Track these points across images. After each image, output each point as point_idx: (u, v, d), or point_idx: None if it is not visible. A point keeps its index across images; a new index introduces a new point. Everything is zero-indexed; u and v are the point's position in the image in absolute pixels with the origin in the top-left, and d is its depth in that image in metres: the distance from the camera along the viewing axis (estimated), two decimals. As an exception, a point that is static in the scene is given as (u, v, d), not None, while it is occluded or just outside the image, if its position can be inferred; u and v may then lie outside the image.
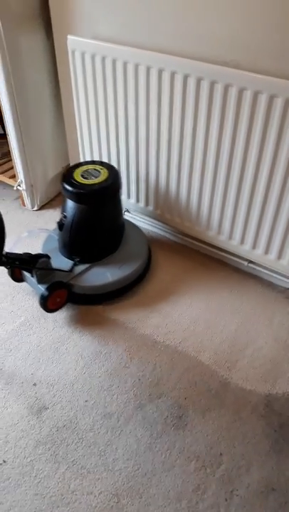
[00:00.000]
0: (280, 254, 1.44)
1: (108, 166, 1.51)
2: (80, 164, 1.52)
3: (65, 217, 1.47)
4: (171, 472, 1.09)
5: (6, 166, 2.01)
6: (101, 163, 1.53)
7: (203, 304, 1.51)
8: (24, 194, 1.91)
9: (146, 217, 1.81)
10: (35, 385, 1.27)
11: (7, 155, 2.02)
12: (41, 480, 1.07)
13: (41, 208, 1.97)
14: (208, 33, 1.25)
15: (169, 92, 1.37)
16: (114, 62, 1.43)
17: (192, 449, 1.13)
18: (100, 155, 1.71)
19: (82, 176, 1.46)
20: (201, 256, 1.71)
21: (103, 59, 1.45)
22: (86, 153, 1.75)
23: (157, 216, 1.70)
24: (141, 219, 1.83)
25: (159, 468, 1.09)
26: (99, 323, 1.45)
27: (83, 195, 1.42)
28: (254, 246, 1.48)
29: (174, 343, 1.38)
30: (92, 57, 1.47)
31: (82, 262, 1.51)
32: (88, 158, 1.76)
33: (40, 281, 1.41)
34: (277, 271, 1.53)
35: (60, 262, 1.50)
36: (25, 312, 1.48)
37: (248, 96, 1.21)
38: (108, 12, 1.43)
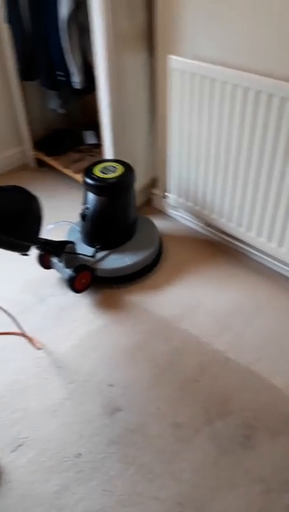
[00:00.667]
0: None
1: (123, 163, 1.66)
2: (99, 162, 1.69)
3: (87, 208, 1.64)
4: (235, 491, 1.10)
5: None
6: (117, 161, 1.69)
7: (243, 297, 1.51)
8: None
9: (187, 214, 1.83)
10: (111, 385, 1.35)
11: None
12: (111, 478, 1.14)
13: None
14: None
15: (264, 115, 1.39)
16: (212, 82, 1.48)
17: (259, 471, 1.14)
18: (188, 168, 1.75)
19: (102, 171, 1.62)
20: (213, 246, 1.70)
21: (202, 79, 1.50)
22: (173, 164, 1.81)
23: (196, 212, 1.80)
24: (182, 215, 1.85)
25: (223, 485, 1.12)
26: (171, 334, 1.49)
27: (103, 187, 1.59)
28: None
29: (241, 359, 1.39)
30: (192, 77, 1.52)
31: (102, 249, 1.68)
32: (175, 170, 1.82)
33: (67, 265, 1.58)
34: None
35: (83, 249, 1.67)
36: (104, 315, 1.57)
37: None
38: (210, 34, 1.47)
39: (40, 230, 1.42)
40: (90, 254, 1.65)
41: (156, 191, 2.06)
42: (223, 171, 1.62)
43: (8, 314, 1.37)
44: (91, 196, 1.63)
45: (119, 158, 1.88)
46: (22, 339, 1.47)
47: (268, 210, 1.54)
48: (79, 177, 2.17)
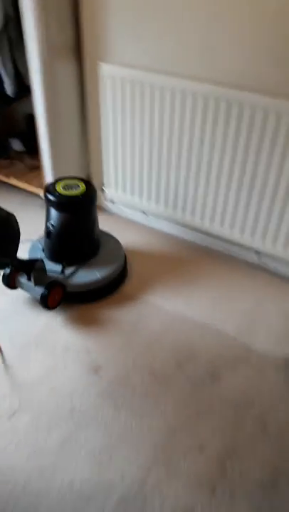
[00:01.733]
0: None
1: (85, 182, 1.69)
2: (61, 178, 1.70)
3: (52, 225, 1.65)
4: (213, 413, 1.33)
5: (31, 177, 2.26)
6: (76, 178, 1.71)
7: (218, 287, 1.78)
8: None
9: (163, 220, 2.08)
10: (89, 352, 1.49)
11: (36, 168, 2.27)
12: (107, 423, 1.29)
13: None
14: (230, 64, 1.57)
15: (190, 113, 1.67)
16: (141, 86, 1.73)
17: (227, 396, 1.37)
18: (124, 166, 1.98)
19: (64, 188, 1.64)
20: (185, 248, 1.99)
21: (132, 83, 1.74)
22: (109, 163, 2.02)
23: (172, 216, 1.98)
24: (159, 221, 2.10)
25: (203, 411, 1.33)
26: (134, 304, 1.69)
27: (68, 204, 1.62)
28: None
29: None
30: (122, 82, 1.76)
31: (69, 264, 1.69)
32: (112, 170, 2.03)
33: (36, 283, 1.57)
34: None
35: (49, 266, 1.66)
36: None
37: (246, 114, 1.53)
38: (136, 42, 1.72)
39: (18, 247, 1.44)
40: (58, 270, 1.67)
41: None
42: (157, 163, 1.88)
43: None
44: (55, 213, 1.63)
45: (56, 160, 2.05)
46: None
47: (190, 188, 1.83)
48: (15, 181, 2.28)
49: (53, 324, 1.60)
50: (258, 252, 1.87)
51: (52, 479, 1.16)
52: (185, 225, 2.00)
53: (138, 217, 2.15)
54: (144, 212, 2.11)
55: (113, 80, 1.78)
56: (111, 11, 1.71)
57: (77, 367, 1.45)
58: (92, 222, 1.74)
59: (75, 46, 1.90)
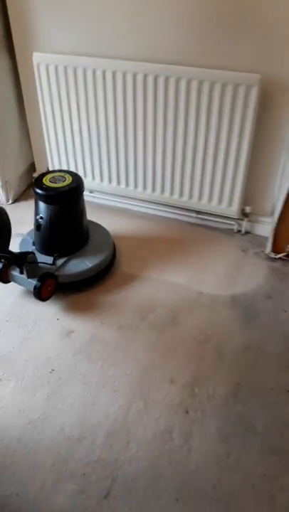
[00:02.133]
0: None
1: (69, 172, 1.75)
2: (47, 172, 1.75)
3: (41, 218, 1.69)
4: (178, 351, 1.50)
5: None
6: (65, 171, 1.76)
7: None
8: (-1, 191, 2.23)
9: (109, 196, 2.22)
10: (58, 319, 1.62)
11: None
12: (85, 374, 1.43)
13: (14, 201, 2.29)
14: (154, 42, 1.72)
15: (122, 90, 1.82)
16: (74, 70, 1.85)
17: (188, 334, 1.55)
18: (66, 147, 2.09)
19: (51, 181, 1.69)
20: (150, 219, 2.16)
21: (65, 68, 1.86)
22: (52, 146, 2.13)
23: (121, 190, 2.12)
24: (105, 197, 2.23)
25: (169, 350, 1.50)
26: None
27: (56, 196, 1.66)
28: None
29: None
30: (55, 68, 1.87)
31: (60, 256, 1.74)
32: (54, 154, 2.14)
33: (29, 276, 1.62)
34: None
35: (40, 259, 1.70)
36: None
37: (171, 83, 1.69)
38: (65, 29, 1.84)
39: (9, 240, 1.51)
40: (49, 262, 1.71)
41: (36, 174, 2.34)
42: (97, 142, 2.01)
43: None
44: (44, 206, 1.68)
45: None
46: None
47: (130, 163, 1.98)
48: None
49: (23, 301, 1.71)
50: (197, 212, 2.06)
51: (43, 429, 1.29)
52: (135, 199, 2.15)
53: (105, 201, 2.28)
54: (90, 192, 2.23)
55: (47, 67, 1.88)
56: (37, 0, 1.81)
57: (51, 334, 1.57)
58: (81, 212, 1.79)
59: (5, 38, 1.97)
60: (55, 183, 1.68)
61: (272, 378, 1.41)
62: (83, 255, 1.78)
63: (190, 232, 2.06)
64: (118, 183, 2.10)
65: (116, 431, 1.28)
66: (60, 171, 1.77)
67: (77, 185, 1.69)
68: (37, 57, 1.89)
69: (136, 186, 2.07)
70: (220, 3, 1.57)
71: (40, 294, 1.60)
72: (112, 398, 1.36)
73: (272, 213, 1.95)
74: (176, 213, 2.12)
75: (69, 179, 1.70)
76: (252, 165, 1.85)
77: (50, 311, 1.66)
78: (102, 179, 2.13)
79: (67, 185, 1.67)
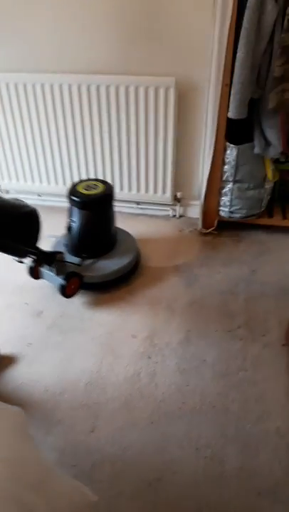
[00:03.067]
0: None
1: (102, 181, 1.89)
2: (81, 181, 1.90)
3: (73, 221, 1.84)
4: (136, 314, 1.76)
5: None
6: (96, 180, 1.92)
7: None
8: None
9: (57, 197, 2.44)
10: (26, 304, 1.82)
11: None
12: (59, 343, 1.64)
13: None
14: (77, 55, 2.00)
15: (51, 101, 2.08)
16: (6, 86, 2.08)
17: (144, 301, 1.82)
18: (13, 157, 2.31)
19: (85, 189, 1.83)
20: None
21: None
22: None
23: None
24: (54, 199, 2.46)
25: (129, 313, 1.75)
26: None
27: (89, 203, 1.81)
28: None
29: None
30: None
31: (88, 257, 1.88)
32: (2, 163, 2.34)
33: (58, 273, 1.75)
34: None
35: (69, 259, 1.84)
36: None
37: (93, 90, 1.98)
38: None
39: (38, 238, 1.64)
40: (77, 262, 1.83)
41: None
42: (33, 148, 2.25)
43: None
44: (76, 211, 1.81)
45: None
46: None
47: (73, 164, 2.24)
48: None
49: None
50: (137, 202, 2.35)
51: (28, 391, 1.48)
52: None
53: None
54: (39, 195, 2.45)
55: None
56: None
57: (22, 315, 1.77)
58: (110, 219, 1.92)
59: None
60: (89, 190, 1.82)
61: (215, 323, 1.71)
62: (110, 258, 1.91)
63: (133, 222, 2.34)
64: (65, 185, 2.34)
65: (93, 381, 1.51)
66: (93, 179, 1.92)
67: (108, 194, 1.84)
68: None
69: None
70: (137, 23, 1.89)
71: (65, 290, 1.74)
72: (86, 358, 1.59)
73: (199, 197, 2.27)
74: (119, 206, 2.39)
75: (101, 187, 1.84)
76: (178, 155, 2.17)
77: (18, 298, 1.85)
78: (49, 182, 2.35)
79: (100, 193, 1.81)
